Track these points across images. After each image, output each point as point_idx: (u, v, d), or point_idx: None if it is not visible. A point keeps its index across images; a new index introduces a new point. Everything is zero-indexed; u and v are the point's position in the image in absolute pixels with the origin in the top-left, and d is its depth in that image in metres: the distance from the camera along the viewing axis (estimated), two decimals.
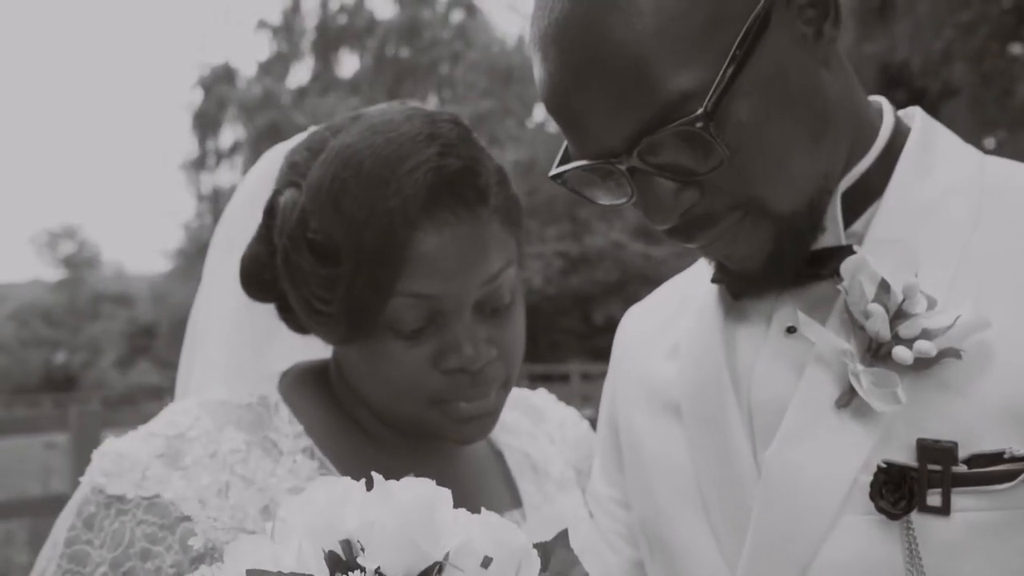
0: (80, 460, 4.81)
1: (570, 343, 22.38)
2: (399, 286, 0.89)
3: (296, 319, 1.00)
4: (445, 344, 0.93)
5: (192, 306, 1.18)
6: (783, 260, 0.85)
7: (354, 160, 0.89)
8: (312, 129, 1.02)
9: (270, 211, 0.97)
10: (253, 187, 1.11)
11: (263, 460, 0.94)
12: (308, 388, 1.04)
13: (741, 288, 0.91)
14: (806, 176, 0.82)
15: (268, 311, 1.04)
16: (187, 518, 0.89)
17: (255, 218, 1.00)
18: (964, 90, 10.49)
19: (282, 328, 1.04)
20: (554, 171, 0.87)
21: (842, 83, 0.85)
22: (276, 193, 0.97)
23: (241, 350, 1.12)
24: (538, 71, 0.83)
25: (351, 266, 0.89)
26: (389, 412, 0.99)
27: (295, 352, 1.10)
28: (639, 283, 21.93)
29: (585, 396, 11.53)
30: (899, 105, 0.94)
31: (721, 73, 0.75)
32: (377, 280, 0.89)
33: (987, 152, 0.90)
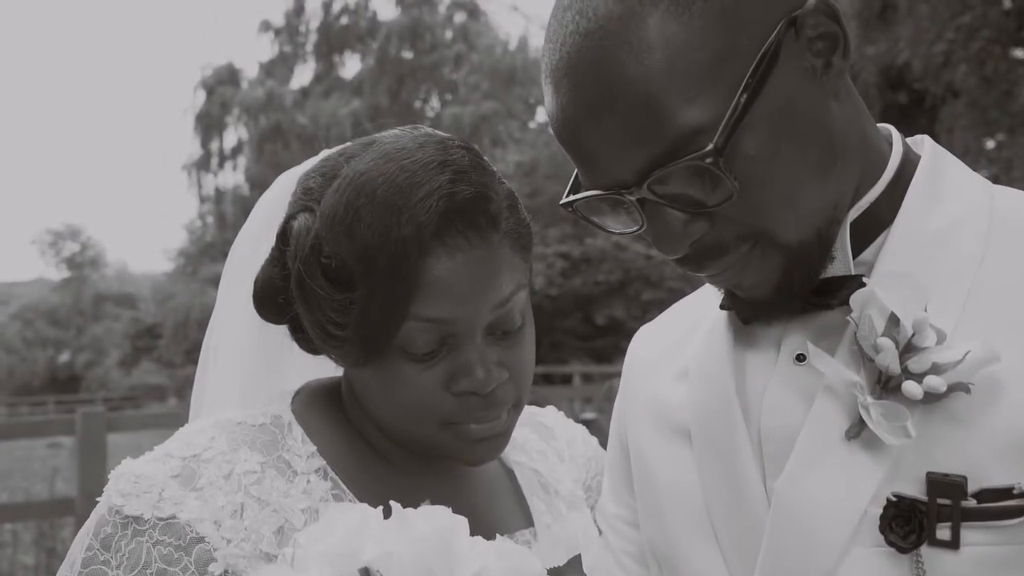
0: (85, 461, 4.85)
1: (572, 344, 22.32)
2: (412, 310, 0.90)
3: (308, 340, 1.01)
4: (457, 367, 0.94)
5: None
6: (792, 289, 0.85)
7: (367, 188, 0.90)
8: (325, 153, 1.03)
9: (283, 236, 0.98)
10: (266, 210, 1.11)
11: (277, 481, 0.95)
12: (320, 408, 1.05)
13: (750, 315, 0.92)
14: (815, 207, 0.82)
15: (281, 331, 1.04)
16: (202, 539, 0.90)
17: (268, 241, 1.01)
18: (965, 93, 10.45)
19: (294, 347, 1.05)
20: (564, 200, 0.88)
21: (851, 113, 0.85)
22: (290, 218, 0.98)
23: (255, 370, 1.13)
24: (549, 104, 0.84)
25: (365, 291, 0.90)
26: (401, 433, 1.00)
27: (307, 371, 1.11)
28: (640, 284, 21.89)
29: (587, 397, 11.49)
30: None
31: (731, 108, 0.76)
32: (390, 305, 0.90)
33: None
